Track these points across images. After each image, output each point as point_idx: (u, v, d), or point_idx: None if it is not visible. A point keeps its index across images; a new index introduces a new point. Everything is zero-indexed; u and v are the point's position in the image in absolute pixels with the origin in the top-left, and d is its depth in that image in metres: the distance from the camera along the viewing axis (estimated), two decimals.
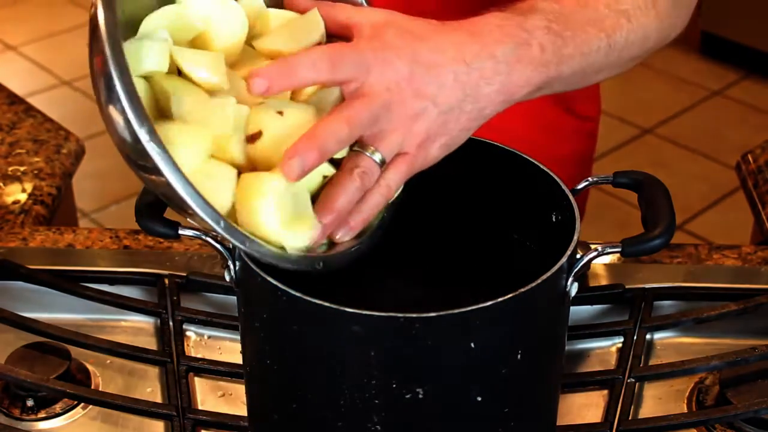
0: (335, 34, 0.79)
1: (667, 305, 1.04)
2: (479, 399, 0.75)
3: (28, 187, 1.23)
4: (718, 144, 3.09)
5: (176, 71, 0.74)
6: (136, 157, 0.68)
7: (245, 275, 0.76)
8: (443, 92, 0.75)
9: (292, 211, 0.72)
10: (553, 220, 0.83)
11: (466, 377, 0.74)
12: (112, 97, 0.66)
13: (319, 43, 0.78)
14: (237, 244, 0.69)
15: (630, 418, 0.92)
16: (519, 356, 0.75)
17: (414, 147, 0.76)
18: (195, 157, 0.71)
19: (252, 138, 0.73)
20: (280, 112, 0.73)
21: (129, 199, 2.70)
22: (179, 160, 0.67)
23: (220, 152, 0.73)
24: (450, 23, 0.78)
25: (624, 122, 3.21)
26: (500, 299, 0.71)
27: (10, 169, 1.26)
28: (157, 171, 0.67)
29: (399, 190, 0.78)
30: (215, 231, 0.69)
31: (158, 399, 0.96)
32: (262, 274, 0.73)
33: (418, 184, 0.89)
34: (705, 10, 3.32)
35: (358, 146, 0.74)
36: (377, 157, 0.74)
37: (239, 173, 0.72)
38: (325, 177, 0.74)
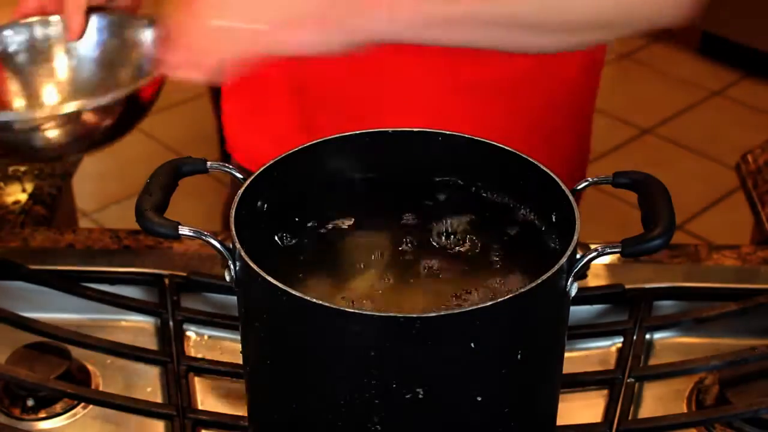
0: None
1: (667, 305, 1.05)
2: (479, 399, 0.75)
3: (29, 187, 1.24)
4: (718, 144, 3.09)
5: None
6: None
7: (245, 275, 0.76)
8: None
9: None
10: (553, 220, 0.83)
11: (466, 377, 0.74)
12: None
13: None
14: None
15: (630, 418, 0.92)
16: (519, 356, 0.75)
17: None
18: None
19: None
20: None
21: (129, 199, 2.70)
22: None
23: None
24: None
25: (624, 122, 3.21)
26: (500, 299, 0.71)
27: (11, 169, 1.26)
28: None
29: None
30: None
31: (158, 399, 0.96)
32: (263, 273, 0.73)
33: (417, 184, 0.89)
34: (705, 10, 3.31)
35: None
36: None
37: None
38: None
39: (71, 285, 1.04)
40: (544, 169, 0.83)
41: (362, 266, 0.83)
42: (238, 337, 0.86)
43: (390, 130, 0.87)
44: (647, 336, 1.01)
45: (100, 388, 0.97)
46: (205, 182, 2.89)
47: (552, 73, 1.10)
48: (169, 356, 0.98)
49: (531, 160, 0.84)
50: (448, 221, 0.88)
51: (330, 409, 0.76)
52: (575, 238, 0.76)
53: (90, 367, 0.99)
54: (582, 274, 0.77)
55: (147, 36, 1.01)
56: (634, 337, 1.00)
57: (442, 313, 0.70)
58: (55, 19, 1.03)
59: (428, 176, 0.89)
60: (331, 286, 0.81)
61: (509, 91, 1.09)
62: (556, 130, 1.19)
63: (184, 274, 1.05)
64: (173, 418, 0.92)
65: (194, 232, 0.79)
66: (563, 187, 0.82)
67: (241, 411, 0.92)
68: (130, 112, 0.94)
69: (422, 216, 0.88)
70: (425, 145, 0.88)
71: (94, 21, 1.02)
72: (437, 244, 0.85)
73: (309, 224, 0.85)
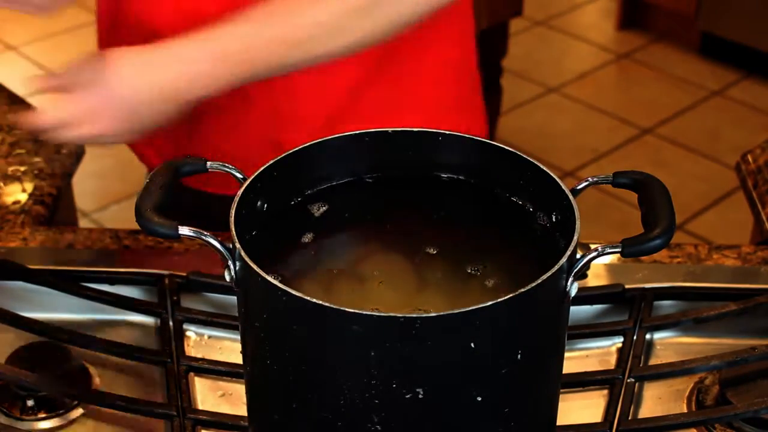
0: None
1: (667, 305, 1.05)
2: (479, 399, 0.75)
3: (29, 187, 1.23)
4: (718, 144, 3.09)
5: None
6: None
7: (245, 275, 0.76)
8: None
9: None
10: (553, 220, 0.83)
11: (466, 377, 0.74)
12: None
13: None
14: None
15: (630, 418, 0.92)
16: (519, 356, 0.75)
17: None
18: None
19: None
20: None
21: (129, 199, 2.70)
22: None
23: None
24: None
25: (624, 122, 3.21)
26: (500, 299, 0.71)
27: (11, 169, 1.26)
28: None
29: None
30: None
31: (158, 399, 0.96)
32: (262, 274, 0.73)
33: (418, 186, 0.89)
34: (705, 10, 3.32)
35: None
36: None
37: None
38: None
39: (71, 285, 1.04)
40: (544, 169, 0.83)
41: (362, 266, 0.83)
42: (238, 337, 0.86)
43: (390, 130, 0.87)
44: (647, 336, 1.01)
45: (100, 388, 0.97)
46: None
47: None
48: (169, 356, 0.98)
49: (531, 160, 0.84)
50: (448, 221, 0.88)
51: (330, 409, 0.76)
52: (575, 238, 0.76)
53: (90, 367, 0.99)
54: (582, 274, 0.77)
55: None
56: (634, 337, 1.00)
57: (442, 313, 0.70)
58: None
59: (428, 176, 0.89)
60: (331, 285, 0.81)
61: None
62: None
63: (184, 274, 1.05)
64: (173, 418, 0.92)
65: (194, 232, 0.79)
66: (563, 187, 0.82)
67: (241, 411, 0.92)
68: None
69: (421, 215, 0.88)
70: (425, 144, 0.88)
71: None
72: (436, 243, 0.85)
73: (308, 224, 0.85)
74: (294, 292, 0.71)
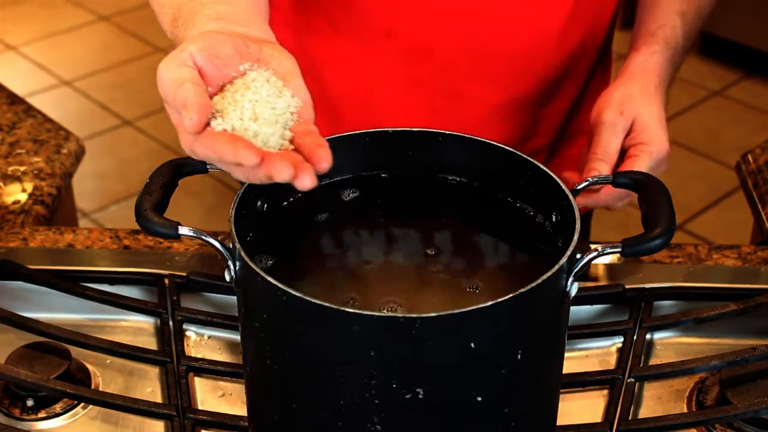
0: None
1: (667, 305, 1.05)
2: (479, 399, 0.75)
3: (28, 187, 1.23)
4: (718, 144, 3.09)
5: None
6: None
7: (245, 275, 0.76)
8: None
9: None
10: (553, 220, 0.83)
11: (466, 377, 0.74)
12: None
13: None
14: None
15: (630, 418, 0.92)
16: (519, 356, 0.75)
17: None
18: None
19: None
20: None
21: (129, 199, 2.70)
22: None
23: None
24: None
25: None
26: (500, 299, 0.71)
27: (10, 169, 1.26)
28: None
29: None
30: None
31: (158, 399, 0.96)
32: (262, 274, 0.73)
33: (418, 186, 0.89)
34: None
35: None
36: None
37: None
38: None
39: (71, 285, 1.04)
40: (544, 169, 0.83)
41: (362, 266, 0.83)
42: (238, 337, 0.86)
43: (390, 129, 0.87)
44: (647, 336, 1.01)
45: (100, 388, 0.97)
46: (205, 182, 2.89)
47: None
48: (169, 356, 0.98)
49: (531, 160, 0.84)
50: (448, 220, 0.89)
51: (330, 409, 0.76)
52: (575, 238, 0.76)
53: (90, 367, 0.99)
54: (582, 274, 0.77)
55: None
56: (634, 337, 1.00)
57: (442, 313, 0.70)
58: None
59: (428, 176, 0.89)
60: (331, 286, 0.81)
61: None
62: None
63: (184, 274, 1.05)
64: (173, 418, 0.92)
65: (194, 232, 0.79)
66: (563, 187, 0.82)
67: (241, 411, 0.92)
68: None
69: (422, 215, 0.88)
70: (425, 144, 0.88)
71: None
72: (436, 243, 0.85)
73: (308, 224, 0.86)
74: (294, 292, 0.71)
